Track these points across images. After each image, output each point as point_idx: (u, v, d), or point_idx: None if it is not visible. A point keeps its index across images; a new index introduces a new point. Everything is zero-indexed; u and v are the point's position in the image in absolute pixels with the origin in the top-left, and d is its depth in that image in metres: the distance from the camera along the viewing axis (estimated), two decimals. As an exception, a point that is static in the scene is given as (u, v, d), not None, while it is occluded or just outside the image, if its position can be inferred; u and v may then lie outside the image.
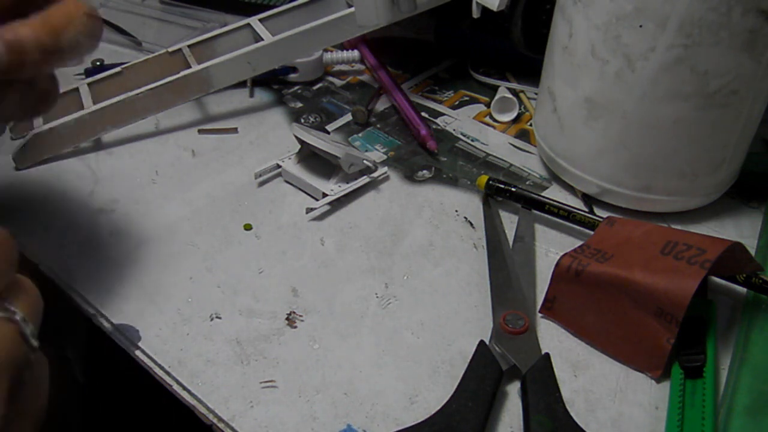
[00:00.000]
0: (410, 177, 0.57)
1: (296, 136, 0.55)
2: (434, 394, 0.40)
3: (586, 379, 0.41)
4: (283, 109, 0.66)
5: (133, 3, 0.83)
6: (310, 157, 0.57)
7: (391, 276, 0.48)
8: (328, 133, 0.62)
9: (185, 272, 0.48)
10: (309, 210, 0.53)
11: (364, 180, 0.55)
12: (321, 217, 0.53)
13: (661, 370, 0.40)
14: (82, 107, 0.58)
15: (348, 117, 0.65)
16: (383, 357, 0.42)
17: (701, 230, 0.52)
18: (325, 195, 0.53)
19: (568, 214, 0.50)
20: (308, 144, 0.54)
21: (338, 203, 0.54)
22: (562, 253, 0.45)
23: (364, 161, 0.55)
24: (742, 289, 0.46)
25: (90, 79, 0.61)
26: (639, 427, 0.38)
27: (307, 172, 0.56)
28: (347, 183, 0.54)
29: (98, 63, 0.69)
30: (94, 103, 0.58)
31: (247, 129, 0.62)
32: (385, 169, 0.57)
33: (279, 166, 0.56)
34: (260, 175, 0.56)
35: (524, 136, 0.62)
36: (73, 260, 0.48)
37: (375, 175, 0.56)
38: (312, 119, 0.64)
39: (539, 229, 0.52)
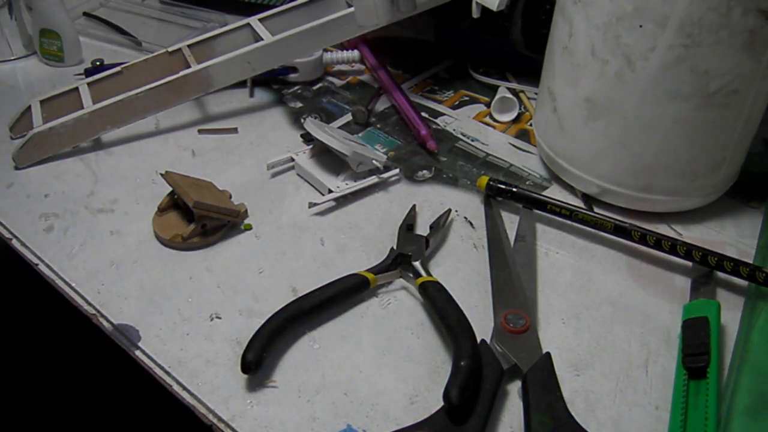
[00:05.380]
0: (410, 177, 0.57)
1: (307, 130, 0.55)
2: (434, 394, 0.40)
3: (586, 378, 0.41)
4: (283, 109, 0.66)
5: (133, 3, 0.83)
6: (324, 152, 0.57)
7: (390, 276, 0.48)
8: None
9: (185, 272, 0.48)
10: (311, 204, 0.53)
11: (372, 180, 0.55)
12: (321, 217, 0.53)
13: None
14: (81, 107, 0.58)
15: (348, 117, 0.65)
16: (383, 357, 0.42)
17: (701, 230, 0.52)
18: (330, 191, 0.53)
19: (570, 213, 0.50)
20: (317, 139, 0.54)
21: (343, 201, 0.54)
22: (563, 252, 0.44)
23: (373, 161, 0.55)
24: (744, 290, 0.46)
25: (90, 79, 0.61)
26: (639, 427, 0.38)
27: (318, 168, 0.56)
28: (355, 181, 0.54)
29: (98, 63, 0.69)
30: (94, 102, 0.58)
31: (247, 129, 0.62)
32: (397, 170, 0.56)
33: (293, 159, 0.57)
34: (273, 167, 0.57)
35: (524, 136, 0.62)
36: (73, 260, 0.48)
37: (385, 176, 0.56)
38: (312, 119, 0.64)
39: (540, 228, 0.52)
